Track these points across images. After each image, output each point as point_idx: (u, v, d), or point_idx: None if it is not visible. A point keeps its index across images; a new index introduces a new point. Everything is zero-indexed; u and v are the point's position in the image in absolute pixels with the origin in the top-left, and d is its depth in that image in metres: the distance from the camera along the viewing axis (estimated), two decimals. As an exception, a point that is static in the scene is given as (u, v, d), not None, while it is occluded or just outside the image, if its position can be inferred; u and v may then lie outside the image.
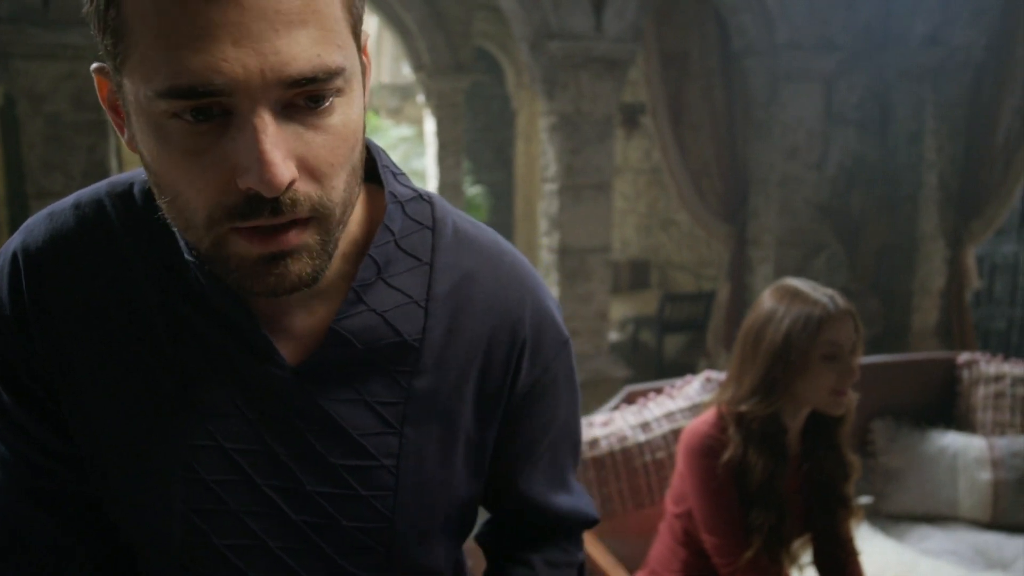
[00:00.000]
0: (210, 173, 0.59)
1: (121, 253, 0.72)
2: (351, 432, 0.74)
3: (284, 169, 0.58)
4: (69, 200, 0.75)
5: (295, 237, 0.62)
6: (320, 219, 0.63)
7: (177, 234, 0.70)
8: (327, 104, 0.60)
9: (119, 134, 0.66)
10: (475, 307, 0.78)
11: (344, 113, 0.62)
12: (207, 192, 0.60)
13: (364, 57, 0.68)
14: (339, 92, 0.61)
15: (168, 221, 0.65)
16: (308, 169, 0.61)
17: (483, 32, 8.85)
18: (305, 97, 0.59)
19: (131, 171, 0.77)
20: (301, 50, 0.57)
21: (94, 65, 0.65)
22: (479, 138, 10.69)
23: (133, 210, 0.73)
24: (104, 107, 0.66)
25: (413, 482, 0.77)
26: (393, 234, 0.75)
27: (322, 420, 0.74)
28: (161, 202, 0.63)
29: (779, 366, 1.63)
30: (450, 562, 0.86)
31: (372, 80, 0.72)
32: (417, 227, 0.77)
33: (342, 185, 0.64)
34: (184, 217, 0.62)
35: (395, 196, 0.77)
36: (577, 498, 0.93)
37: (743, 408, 1.67)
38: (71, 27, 3.71)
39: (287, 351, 0.73)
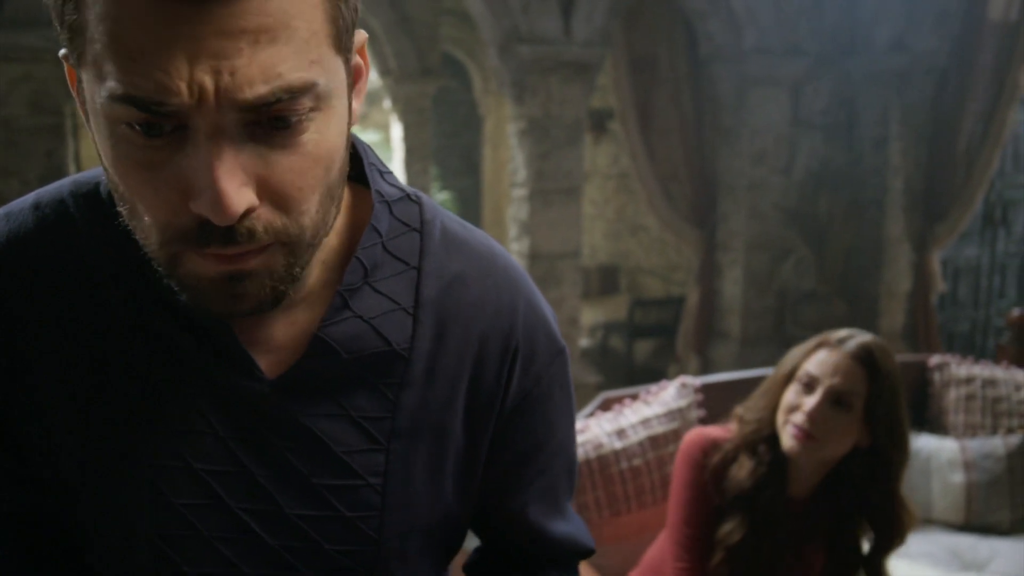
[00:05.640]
0: (163, 191, 0.54)
1: (85, 257, 0.67)
2: (334, 449, 0.69)
3: (238, 198, 0.53)
4: (28, 199, 0.70)
5: (255, 260, 0.57)
6: (286, 244, 0.58)
7: None
8: (294, 124, 0.55)
9: (88, 129, 0.61)
10: (465, 312, 0.73)
11: (318, 131, 0.57)
12: (159, 211, 0.55)
13: (361, 59, 0.63)
14: (311, 110, 0.56)
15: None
16: (271, 194, 0.56)
17: (450, 37, 8.82)
18: (269, 118, 0.54)
19: (96, 168, 0.72)
20: (260, 71, 0.52)
21: (63, 51, 0.59)
22: (446, 144, 10.64)
23: (99, 211, 0.68)
24: (74, 95, 0.61)
25: (400, 501, 0.72)
26: (380, 236, 0.71)
27: (303, 437, 0.68)
28: (120, 209, 0.59)
29: (775, 375, 1.64)
30: None
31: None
32: (405, 229, 0.73)
33: (314, 208, 0.59)
34: (142, 230, 0.58)
35: (382, 196, 0.72)
36: (572, 525, 0.87)
37: (740, 410, 1.67)
38: (28, 29, 3.61)
39: (265, 363, 0.68)
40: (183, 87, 0.51)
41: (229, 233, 0.55)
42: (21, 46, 3.64)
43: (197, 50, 0.50)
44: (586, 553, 0.88)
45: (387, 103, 7.84)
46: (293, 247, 0.59)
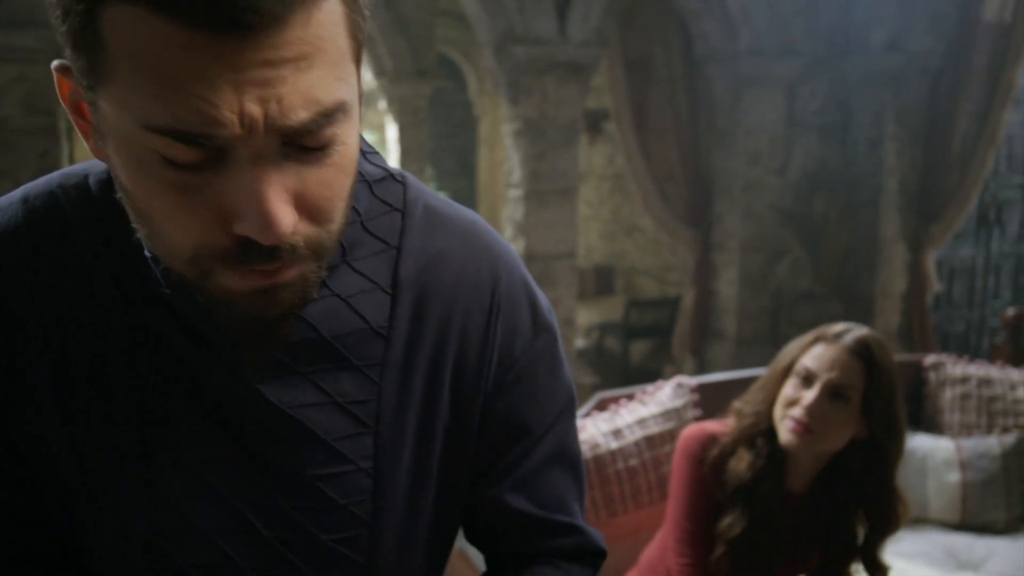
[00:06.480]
0: (200, 213, 0.55)
1: (77, 251, 0.67)
2: (324, 438, 0.69)
3: (286, 218, 0.55)
4: (16, 194, 0.69)
5: (291, 271, 0.59)
6: (317, 251, 0.60)
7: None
8: (325, 141, 0.57)
9: (83, 139, 0.61)
10: (445, 289, 0.73)
11: (343, 143, 0.58)
12: (194, 232, 0.56)
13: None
14: (339, 125, 0.57)
15: (143, 243, 0.60)
16: (306, 208, 0.57)
17: (445, 38, 8.82)
18: (304, 137, 0.55)
19: (85, 162, 0.72)
20: (301, 96, 0.53)
21: (56, 63, 0.59)
22: (442, 145, 10.64)
23: (90, 204, 0.68)
24: (65, 107, 0.60)
25: (391, 483, 0.72)
26: (359, 214, 0.71)
27: (293, 429, 0.68)
28: (137, 226, 0.59)
29: (772, 370, 1.64)
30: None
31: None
32: (386, 209, 0.73)
33: (340, 214, 0.61)
34: (166, 247, 0.58)
35: (362, 175, 0.72)
36: (576, 521, 0.82)
37: (738, 404, 1.67)
38: (22, 29, 3.60)
39: (256, 355, 0.68)
40: (233, 118, 0.51)
41: (273, 251, 0.56)
42: (16, 47, 3.62)
43: (243, 80, 0.51)
44: (598, 553, 0.84)
45: (382, 104, 7.83)
46: (323, 253, 0.61)
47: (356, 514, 0.71)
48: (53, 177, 0.70)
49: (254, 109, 0.51)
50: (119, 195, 0.60)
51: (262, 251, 0.56)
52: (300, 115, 0.53)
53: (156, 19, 0.49)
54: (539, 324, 0.78)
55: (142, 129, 0.52)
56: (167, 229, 0.57)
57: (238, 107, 0.51)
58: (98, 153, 0.60)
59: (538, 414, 0.78)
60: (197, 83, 0.50)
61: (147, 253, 0.64)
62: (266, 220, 0.54)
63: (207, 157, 0.53)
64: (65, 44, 0.54)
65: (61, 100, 0.60)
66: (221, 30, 0.49)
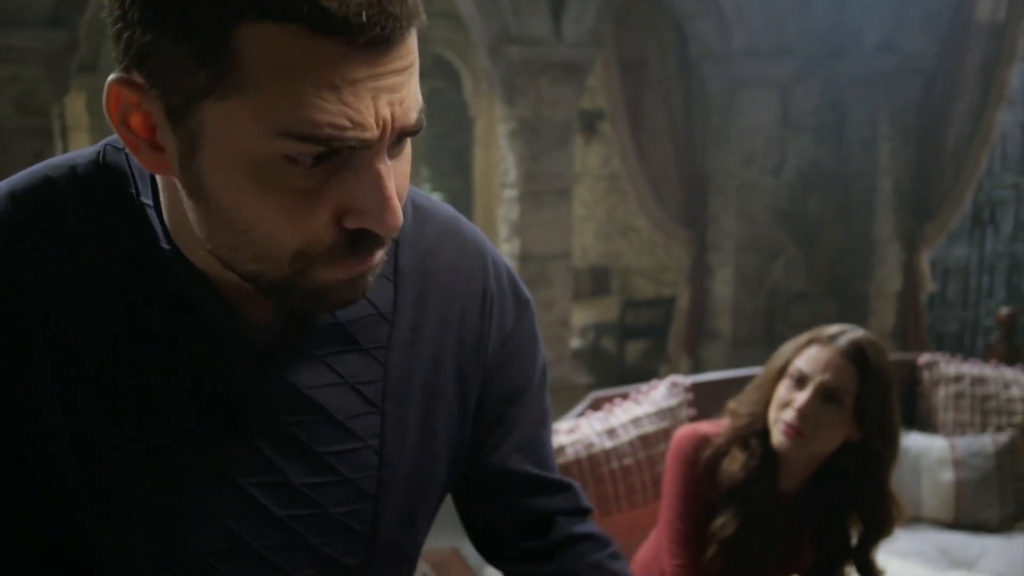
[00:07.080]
0: (315, 212, 0.58)
1: (74, 247, 0.66)
2: (336, 417, 0.73)
3: (400, 208, 0.59)
4: (2, 189, 0.68)
5: (377, 256, 0.63)
6: (393, 236, 0.64)
7: (153, 221, 0.65)
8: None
9: (132, 152, 0.61)
10: (442, 278, 0.80)
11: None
12: (306, 231, 0.59)
13: None
14: None
15: (211, 247, 0.61)
16: None
17: (441, 39, 8.81)
18: (408, 135, 0.61)
19: (68, 154, 0.71)
20: (413, 98, 0.59)
21: (115, 76, 0.58)
22: (437, 145, 10.63)
23: (83, 197, 0.67)
24: (112, 122, 0.59)
25: (395, 459, 0.77)
26: None
27: (307, 409, 0.72)
28: (221, 232, 0.60)
29: (767, 370, 1.64)
30: (420, 550, 0.86)
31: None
32: None
33: None
34: (264, 251, 0.60)
35: None
36: (570, 481, 0.92)
37: (733, 404, 1.67)
38: (16, 29, 3.59)
39: (266, 340, 0.70)
40: (372, 122, 0.56)
41: (381, 240, 0.61)
42: (10, 47, 3.61)
43: (378, 87, 0.56)
44: (588, 510, 0.94)
45: (378, 105, 7.83)
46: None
47: (363, 488, 0.75)
48: (38, 169, 0.69)
49: (386, 112, 0.56)
50: (196, 208, 0.60)
51: (376, 242, 0.61)
52: (413, 115, 0.59)
53: (310, 36, 0.52)
54: (521, 302, 0.87)
55: (276, 136, 0.54)
56: (274, 233, 0.59)
57: (374, 111, 0.56)
58: (158, 166, 0.60)
59: (525, 381, 0.87)
60: (346, 91, 0.54)
61: (164, 246, 0.65)
62: (390, 213, 0.58)
63: (332, 158, 0.56)
64: (176, 62, 0.54)
65: (108, 114, 0.59)
66: (372, 44, 0.54)
